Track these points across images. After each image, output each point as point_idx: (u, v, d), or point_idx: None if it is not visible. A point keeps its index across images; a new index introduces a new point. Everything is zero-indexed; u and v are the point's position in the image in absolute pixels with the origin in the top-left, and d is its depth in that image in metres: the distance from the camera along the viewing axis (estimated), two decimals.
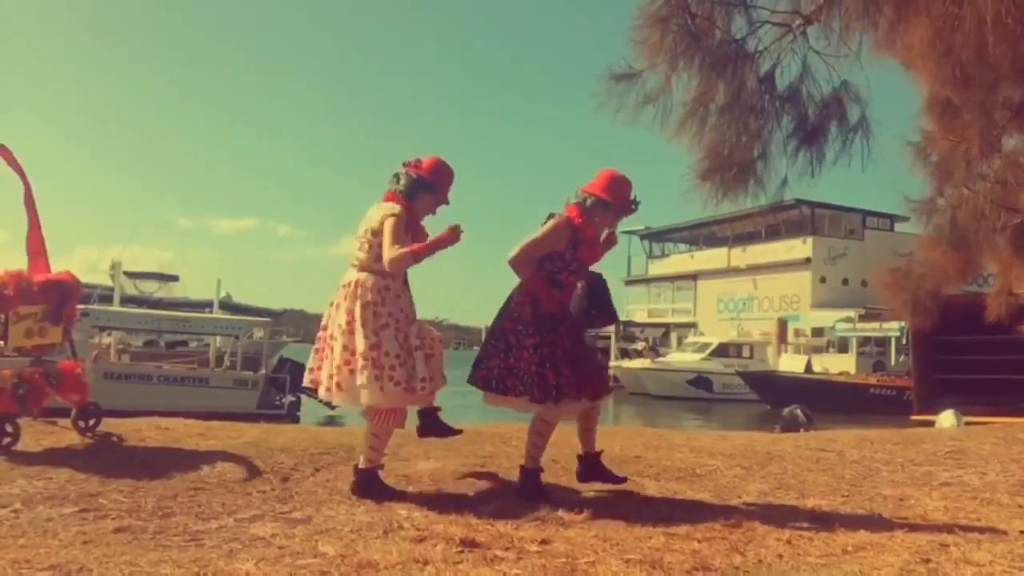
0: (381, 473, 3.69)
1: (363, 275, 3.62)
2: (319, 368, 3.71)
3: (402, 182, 3.73)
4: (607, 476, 3.92)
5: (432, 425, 3.97)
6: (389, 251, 3.49)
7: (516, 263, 3.67)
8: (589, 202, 3.77)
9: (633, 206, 3.89)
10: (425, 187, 3.74)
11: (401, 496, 3.59)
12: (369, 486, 3.60)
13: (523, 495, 3.62)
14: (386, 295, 3.59)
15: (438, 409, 3.98)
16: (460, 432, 4.16)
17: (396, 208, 3.62)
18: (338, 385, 3.56)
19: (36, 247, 4.76)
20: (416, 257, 3.51)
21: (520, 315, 3.66)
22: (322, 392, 3.70)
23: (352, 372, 3.52)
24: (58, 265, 4.83)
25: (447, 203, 3.88)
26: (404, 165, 3.78)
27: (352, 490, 3.62)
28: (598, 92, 5.87)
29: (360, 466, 3.66)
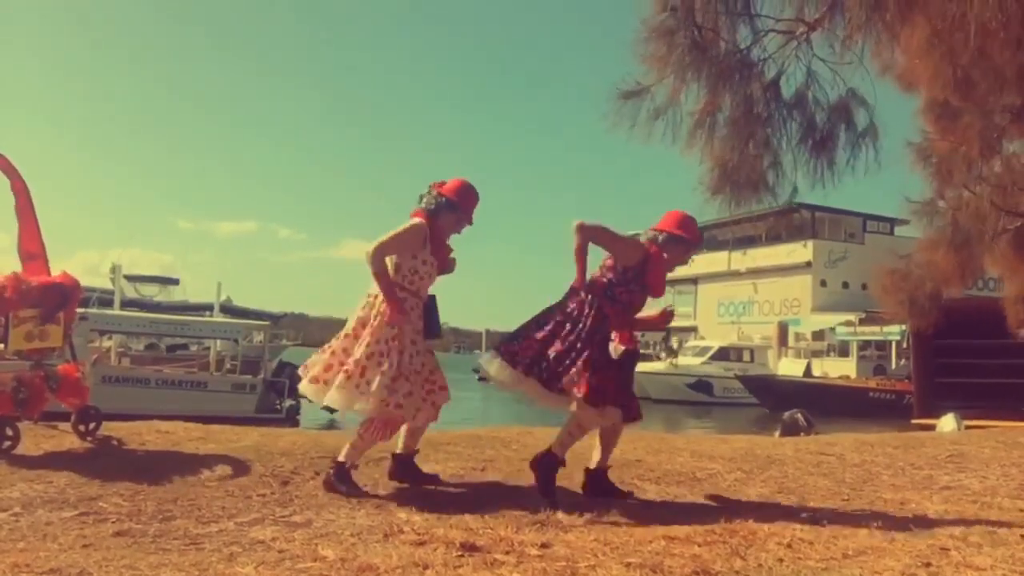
0: (355, 473, 3.79)
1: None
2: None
3: (425, 200, 3.83)
4: (615, 491, 3.89)
5: (405, 471, 3.94)
6: (376, 242, 3.63)
7: (583, 232, 3.68)
8: (661, 238, 3.87)
9: (701, 240, 4.11)
10: (448, 206, 3.82)
11: (373, 497, 3.65)
12: (340, 480, 3.69)
13: (537, 479, 3.72)
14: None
15: (414, 453, 3.96)
16: (435, 478, 4.04)
17: (415, 220, 3.76)
18: (322, 381, 3.67)
19: (34, 249, 4.76)
20: (377, 268, 3.62)
21: (580, 314, 3.67)
22: (304, 385, 3.77)
23: (346, 375, 3.59)
24: (60, 268, 4.84)
25: (470, 223, 3.96)
26: (431, 185, 3.88)
27: (324, 482, 3.74)
28: (608, 112, 5.91)
29: (338, 458, 3.76)
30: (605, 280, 3.76)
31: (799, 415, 12.06)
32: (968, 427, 11.09)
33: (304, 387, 3.77)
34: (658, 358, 34.34)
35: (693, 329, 41.65)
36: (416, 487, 3.86)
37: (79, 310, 7.36)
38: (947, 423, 12.03)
